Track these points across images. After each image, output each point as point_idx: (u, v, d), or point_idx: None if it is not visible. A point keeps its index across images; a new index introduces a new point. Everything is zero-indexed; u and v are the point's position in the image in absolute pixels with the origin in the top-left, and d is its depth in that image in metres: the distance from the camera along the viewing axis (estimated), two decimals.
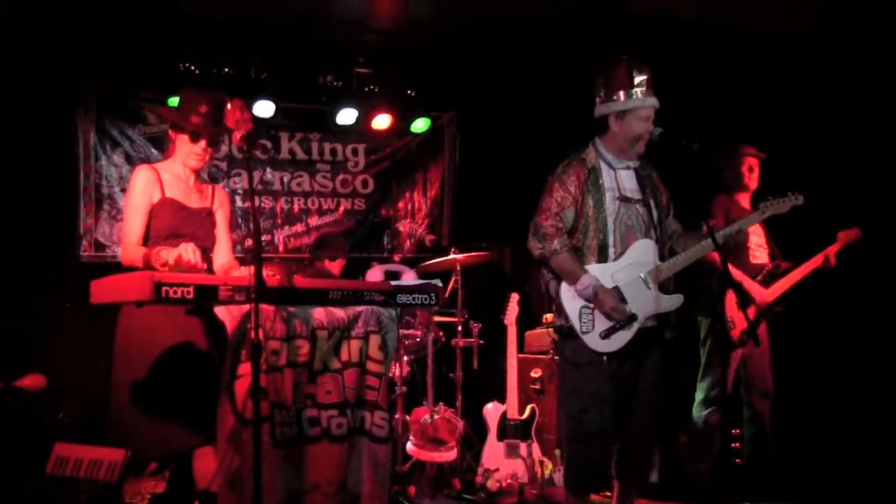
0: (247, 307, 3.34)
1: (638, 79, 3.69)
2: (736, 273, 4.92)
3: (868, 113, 5.71)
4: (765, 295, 4.99)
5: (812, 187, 4.10)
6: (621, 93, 3.72)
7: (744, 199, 5.25)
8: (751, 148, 5.30)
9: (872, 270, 5.48)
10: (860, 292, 5.57)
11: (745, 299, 4.92)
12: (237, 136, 3.59)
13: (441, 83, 6.88)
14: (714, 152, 5.15)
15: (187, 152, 3.97)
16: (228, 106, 3.82)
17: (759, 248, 5.21)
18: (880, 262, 5.46)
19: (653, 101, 3.74)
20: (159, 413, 3.62)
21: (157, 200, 3.90)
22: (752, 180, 5.26)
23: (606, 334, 3.67)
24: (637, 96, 3.70)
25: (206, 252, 4.01)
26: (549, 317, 5.83)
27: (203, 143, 3.96)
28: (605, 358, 3.68)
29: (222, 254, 4.14)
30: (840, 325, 5.65)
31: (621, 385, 3.72)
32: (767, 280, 5.05)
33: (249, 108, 6.26)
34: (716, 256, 4.70)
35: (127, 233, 3.87)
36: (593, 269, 3.70)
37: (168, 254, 3.56)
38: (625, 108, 3.72)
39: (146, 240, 3.85)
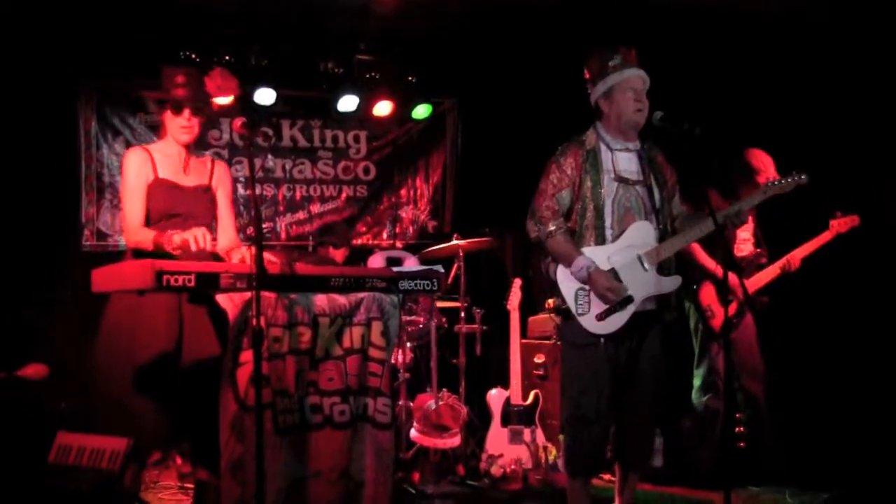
0: (248, 294, 3.35)
1: (612, 58, 3.78)
2: (709, 263, 4.96)
3: (874, 104, 5.65)
4: (748, 285, 4.96)
5: (813, 178, 4.06)
6: (601, 75, 3.80)
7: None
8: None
9: (866, 255, 5.43)
10: (853, 276, 5.53)
11: (727, 292, 4.80)
12: (237, 122, 3.58)
13: (442, 69, 6.84)
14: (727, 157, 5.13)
15: (176, 127, 3.98)
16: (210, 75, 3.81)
17: (744, 242, 5.20)
18: (875, 247, 5.42)
19: (631, 72, 3.77)
20: (154, 399, 3.64)
21: (151, 181, 3.91)
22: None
23: (602, 316, 3.67)
24: (615, 72, 3.77)
25: (210, 229, 4.01)
26: (551, 302, 5.80)
27: (186, 112, 3.96)
28: (602, 340, 3.68)
29: (225, 234, 4.15)
30: (833, 307, 5.61)
31: (619, 368, 3.72)
32: (748, 271, 5.04)
33: (250, 92, 6.25)
34: (695, 248, 4.76)
35: (128, 217, 3.89)
36: (589, 251, 3.69)
37: (179, 237, 3.57)
38: (606, 87, 3.79)
39: (147, 222, 3.86)
